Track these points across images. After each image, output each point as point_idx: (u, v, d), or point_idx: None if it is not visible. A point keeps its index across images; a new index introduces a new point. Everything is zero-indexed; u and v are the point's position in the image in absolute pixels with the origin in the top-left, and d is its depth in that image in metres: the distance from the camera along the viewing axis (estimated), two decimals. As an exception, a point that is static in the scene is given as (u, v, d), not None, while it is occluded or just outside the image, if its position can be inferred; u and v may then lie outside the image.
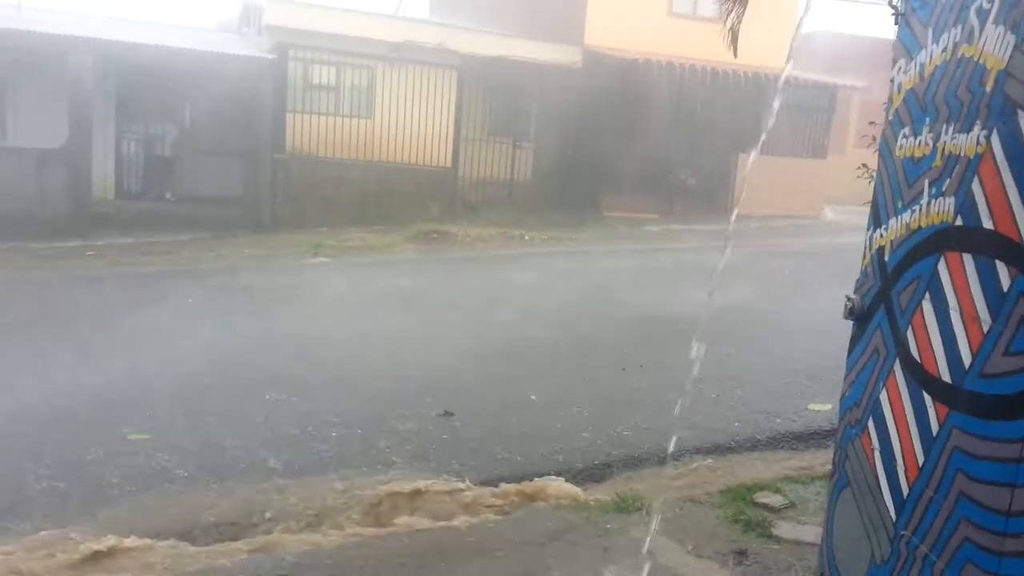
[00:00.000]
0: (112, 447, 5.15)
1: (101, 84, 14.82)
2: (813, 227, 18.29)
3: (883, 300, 2.49)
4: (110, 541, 3.90)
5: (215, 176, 16.20)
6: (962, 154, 2.09)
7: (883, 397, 2.41)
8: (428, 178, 16.48)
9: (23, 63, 14.53)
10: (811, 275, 11.91)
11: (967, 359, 2.00)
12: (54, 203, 13.77)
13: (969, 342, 1.99)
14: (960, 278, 2.05)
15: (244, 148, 15.75)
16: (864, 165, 4.87)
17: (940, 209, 2.18)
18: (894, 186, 2.50)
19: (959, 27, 2.17)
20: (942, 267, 2.15)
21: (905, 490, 2.23)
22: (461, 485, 4.73)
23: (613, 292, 10.93)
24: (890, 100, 2.62)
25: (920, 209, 2.29)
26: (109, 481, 4.72)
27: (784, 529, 4.10)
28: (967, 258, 2.03)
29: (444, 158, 16.71)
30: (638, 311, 9.52)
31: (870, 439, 2.47)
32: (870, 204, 2.68)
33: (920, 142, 2.36)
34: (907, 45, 2.52)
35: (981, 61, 2.04)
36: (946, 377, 2.08)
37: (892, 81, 2.61)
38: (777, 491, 4.54)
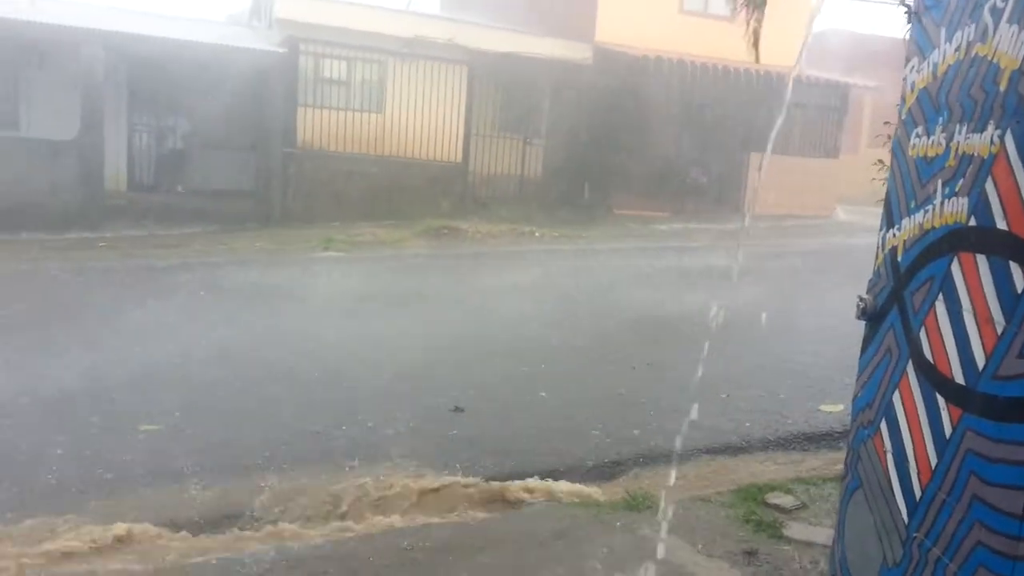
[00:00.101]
0: (123, 438, 5.17)
1: (113, 76, 14.87)
2: (825, 227, 18.20)
3: (896, 300, 2.48)
4: (121, 529, 3.92)
5: (226, 169, 16.28)
6: (976, 154, 2.08)
7: (896, 398, 2.40)
8: (439, 173, 16.50)
9: (36, 55, 14.62)
10: (822, 275, 11.88)
11: (981, 361, 1.98)
12: (66, 194, 13.85)
13: (983, 343, 1.98)
14: (973, 279, 2.04)
15: (255, 142, 15.81)
16: (880, 161, 4.84)
17: (953, 209, 2.17)
18: (907, 186, 2.49)
19: (973, 26, 2.16)
20: (955, 268, 2.13)
21: (918, 492, 2.21)
22: (471, 481, 4.73)
23: (623, 290, 10.91)
24: (903, 99, 2.60)
25: (933, 209, 2.28)
26: (119, 471, 4.75)
27: (795, 530, 4.07)
28: (981, 259, 2.02)
29: (455, 154, 16.74)
30: (648, 310, 9.51)
31: (883, 441, 2.45)
32: (883, 204, 2.67)
33: (933, 142, 2.34)
34: (920, 44, 2.51)
35: (995, 60, 2.03)
36: (959, 379, 2.07)
37: (905, 80, 2.59)
38: (788, 492, 4.52)
